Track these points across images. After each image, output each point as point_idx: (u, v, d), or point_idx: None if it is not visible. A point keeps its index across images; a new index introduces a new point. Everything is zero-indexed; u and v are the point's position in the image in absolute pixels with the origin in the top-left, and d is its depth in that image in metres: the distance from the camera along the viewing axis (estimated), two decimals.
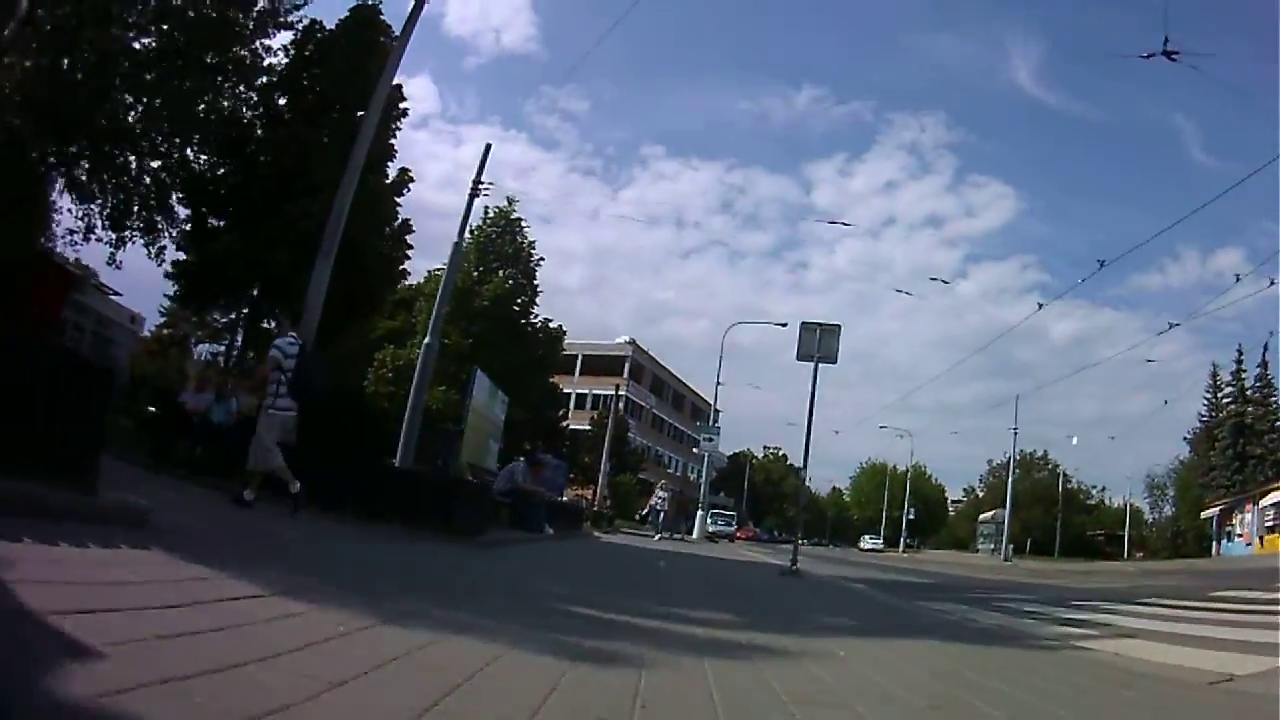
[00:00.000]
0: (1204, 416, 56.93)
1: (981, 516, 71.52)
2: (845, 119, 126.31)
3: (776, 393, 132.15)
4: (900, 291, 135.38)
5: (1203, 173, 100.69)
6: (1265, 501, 38.91)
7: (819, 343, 9.99)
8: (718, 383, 33.74)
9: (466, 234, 30.80)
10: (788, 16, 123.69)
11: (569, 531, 17.13)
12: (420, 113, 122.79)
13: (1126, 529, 60.74)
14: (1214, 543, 46.42)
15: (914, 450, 79.79)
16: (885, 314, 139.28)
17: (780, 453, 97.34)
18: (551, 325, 32.21)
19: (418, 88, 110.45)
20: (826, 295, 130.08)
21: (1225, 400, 55.20)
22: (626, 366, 73.64)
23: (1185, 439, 60.61)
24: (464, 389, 20.56)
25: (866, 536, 71.21)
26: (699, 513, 32.73)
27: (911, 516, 67.13)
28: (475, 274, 29.72)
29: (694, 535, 31.48)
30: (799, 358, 10.13)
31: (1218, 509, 46.74)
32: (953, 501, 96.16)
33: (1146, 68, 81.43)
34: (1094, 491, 75.61)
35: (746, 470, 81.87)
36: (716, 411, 33.90)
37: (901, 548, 62.21)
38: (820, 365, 10.10)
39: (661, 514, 26.13)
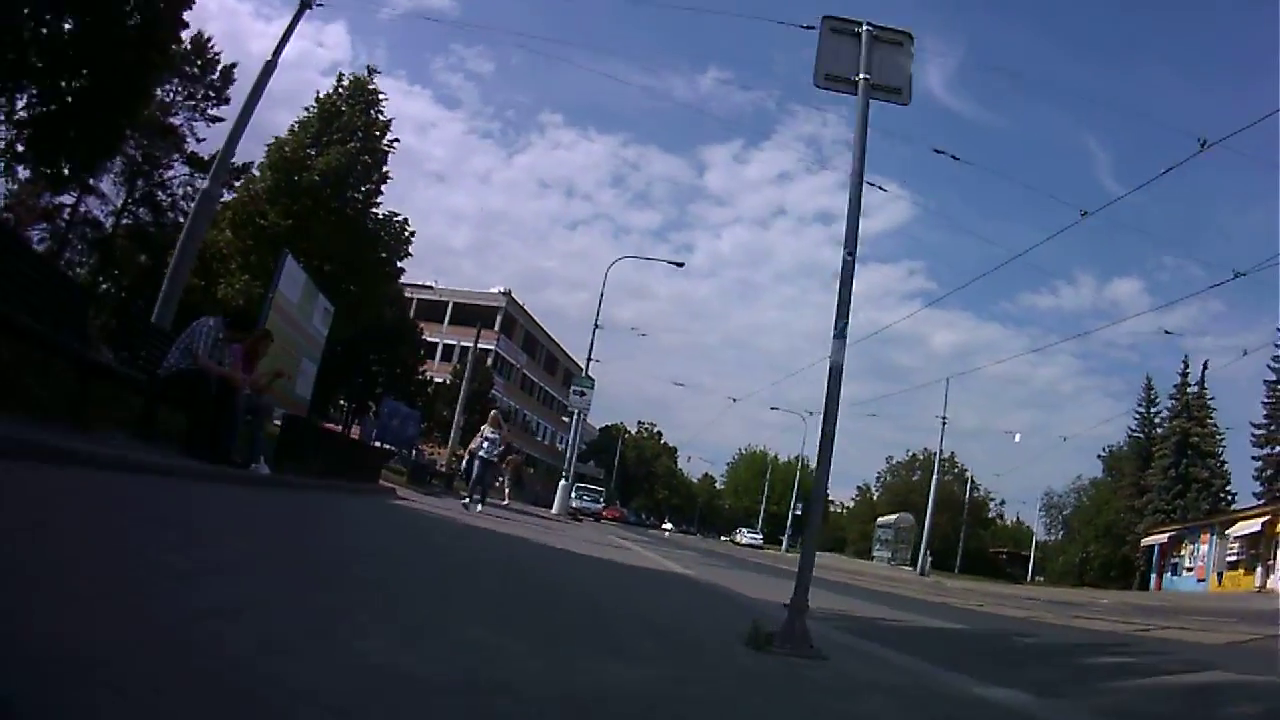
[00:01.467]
0: (1134, 431, 52.69)
1: (881, 519, 66.28)
2: (747, 105, 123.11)
3: (649, 370, 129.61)
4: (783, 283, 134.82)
5: (1109, 199, 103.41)
6: (1234, 532, 34.10)
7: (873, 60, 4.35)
8: (596, 325, 27.82)
9: (311, 102, 24.25)
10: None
11: (350, 484, 10.97)
12: (331, 60, 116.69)
13: (1033, 549, 57.16)
14: (1154, 575, 42.30)
15: (805, 440, 74.64)
16: (767, 303, 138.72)
17: (655, 429, 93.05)
18: (396, 218, 25.08)
19: (331, 36, 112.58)
20: (708, 280, 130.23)
21: (1158, 416, 51.26)
22: (499, 319, 66.66)
23: (1100, 457, 56.98)
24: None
25: (744, 530, 65.79)
26: (562, 483, 26.88)
27: (798, 512, 61.02)
28: (309, 148, 22.48)
29: (554, 510, 25.72)
30: (817, 83, 4.41)
31: (1164, 536, 41.69)
32: (835, 501, 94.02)
33: (1064, 87, 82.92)
34: (993, 504, 72.27)
35: (619, 445, 76.42)
36: (591, 361, 27.86)
37: (785, 546, 56.70)
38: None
39: (481, 465, 15.74)
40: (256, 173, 22.66)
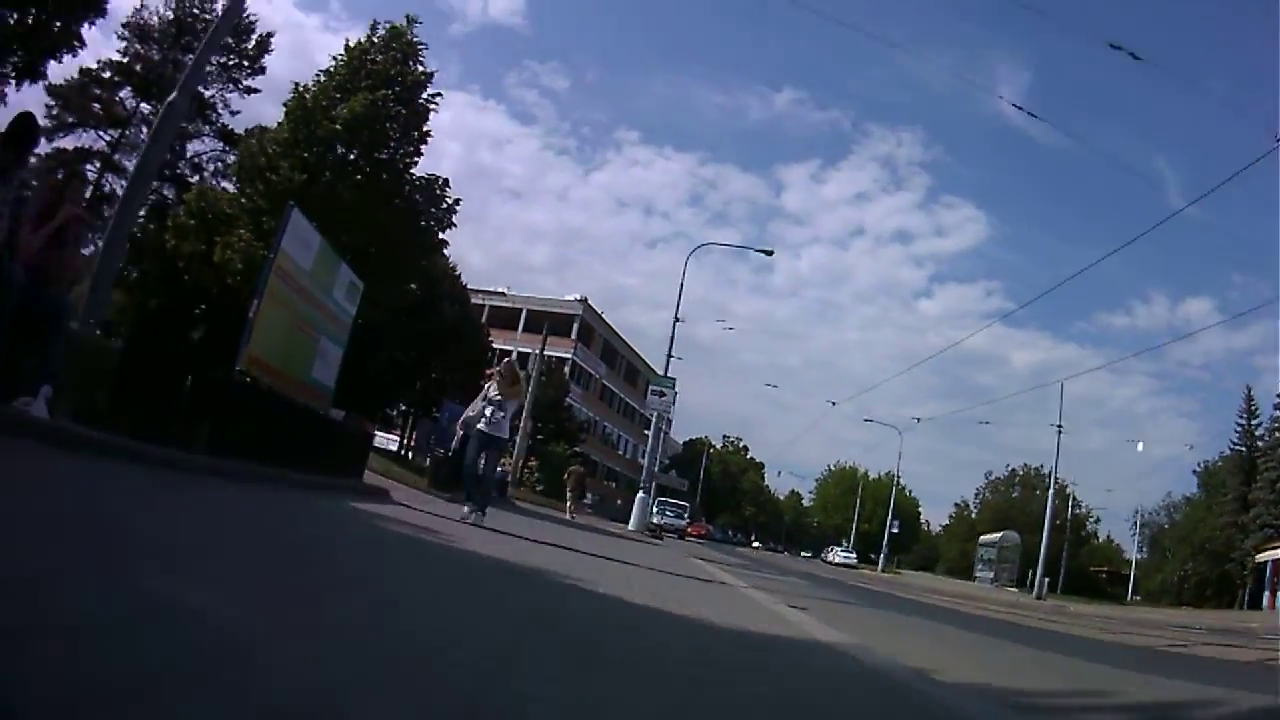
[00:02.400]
0: (1235, 444, 48.64)
1: (984, 538, 61.43)
2: (823, 125, 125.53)
3: (731, 388, 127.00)
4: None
5: (1180, 219, 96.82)
6: None
7: None
8: (676, 318, 23.69)
9: (340, 52, 21.05)
10: (779, 17, 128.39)
11: (303, 477, 7.29)
12: None
13: (1133, 569, 52.47)
14: (1267, 593, 37.15)
15: (901, 454, 69.25)
16: (848, 324, 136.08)
17: (741, 444, 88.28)
18: (437, 180, 20.80)
19: None
20: (788, 300, 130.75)
21: (1260, 430, 47.24)
22: (576, 326, 63.21)
23: (1195, 472, 53.57)
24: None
25: (835, 548, 61.01)
26: (640, 494, 22.89)
27: (895, 530, 56.44)
28: (335, 94, 19.08)
29: (631, 525, 21.81)
30: None
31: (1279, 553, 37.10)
32: (930, 520, 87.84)
33: (1133, 108, 79.89)
34: (1090, 521, 67.02)
35: (704, 459, 71.90)
36: (671, 358, 23.76)
37: (881, 566, 52.38)
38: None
39: (480, 444, 9.02)
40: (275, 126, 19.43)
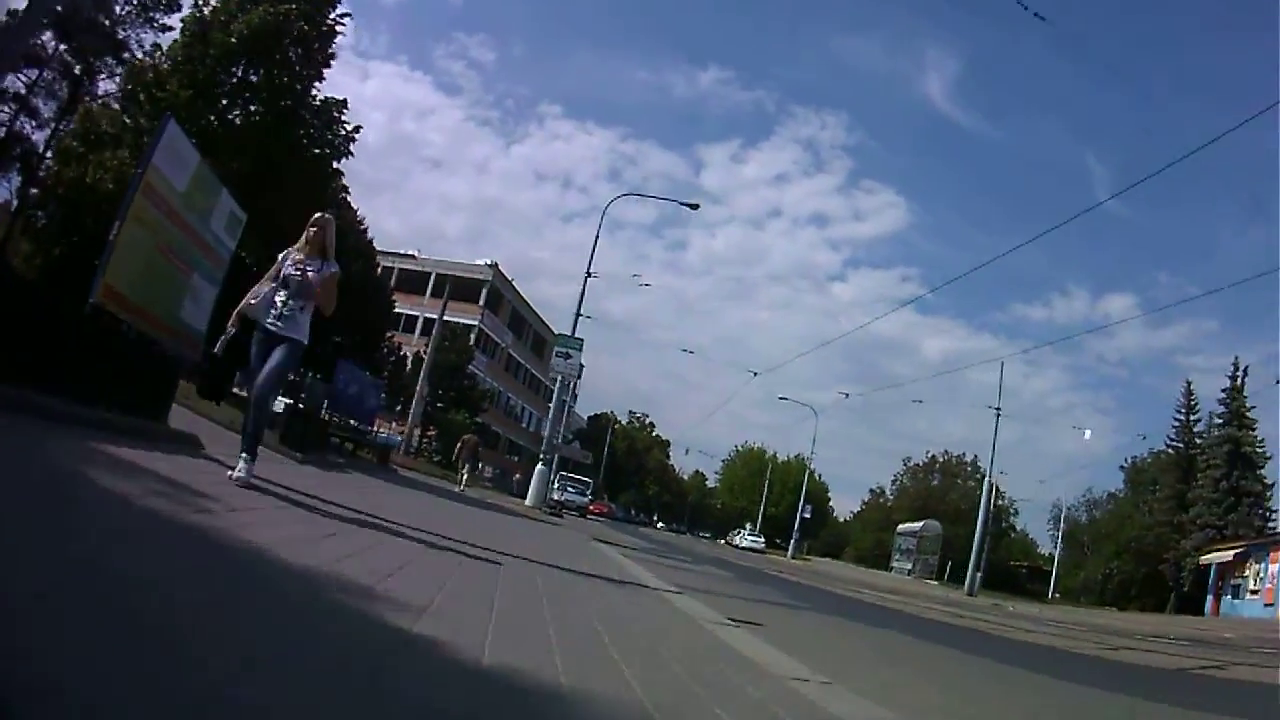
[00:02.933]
0: (1172, 441, 47.81)
1: (903, 527, 60.23)
2: (747, 105, 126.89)
3: (639, 365, 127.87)
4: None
5: (1104, 215, 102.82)
6: None
7: None
8: (588, 274, 22.62)
9: None
10: None
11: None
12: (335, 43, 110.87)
13: (1055, 565, 51.18)
14: (1210, 597, 36.81)
15: (815, 437, 69.54)
16: (759, 303, 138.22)
17: (647, 420, 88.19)
18: (334, 102, 19.20)
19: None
20: (701, 278, 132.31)
21: (1197, 425, 46.82)
22: (484, 293, 61.61)
23: (1121, 468, 53.35)
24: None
25: (743, 531, 60.10)
26: (539, 467, 21.80)
27: (808, 515, 54.89)
28: (235, 8, 17.20)
29: (528, 500, 20.86)
30: None
31: (1228, 554, 35.55)
32: (836, 506, 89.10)
33: (1063, 101, 79.55)
34: (1010, 514, 66.52)
35: (609, 434, 71.45)
36: (581, 318, 22.59)
37: (790, 551, 51.52)
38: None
39: (263, 344, 5.73)
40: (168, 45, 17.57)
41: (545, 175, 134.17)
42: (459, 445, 24.19)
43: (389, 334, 37.88)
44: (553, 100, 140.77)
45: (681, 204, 31.40)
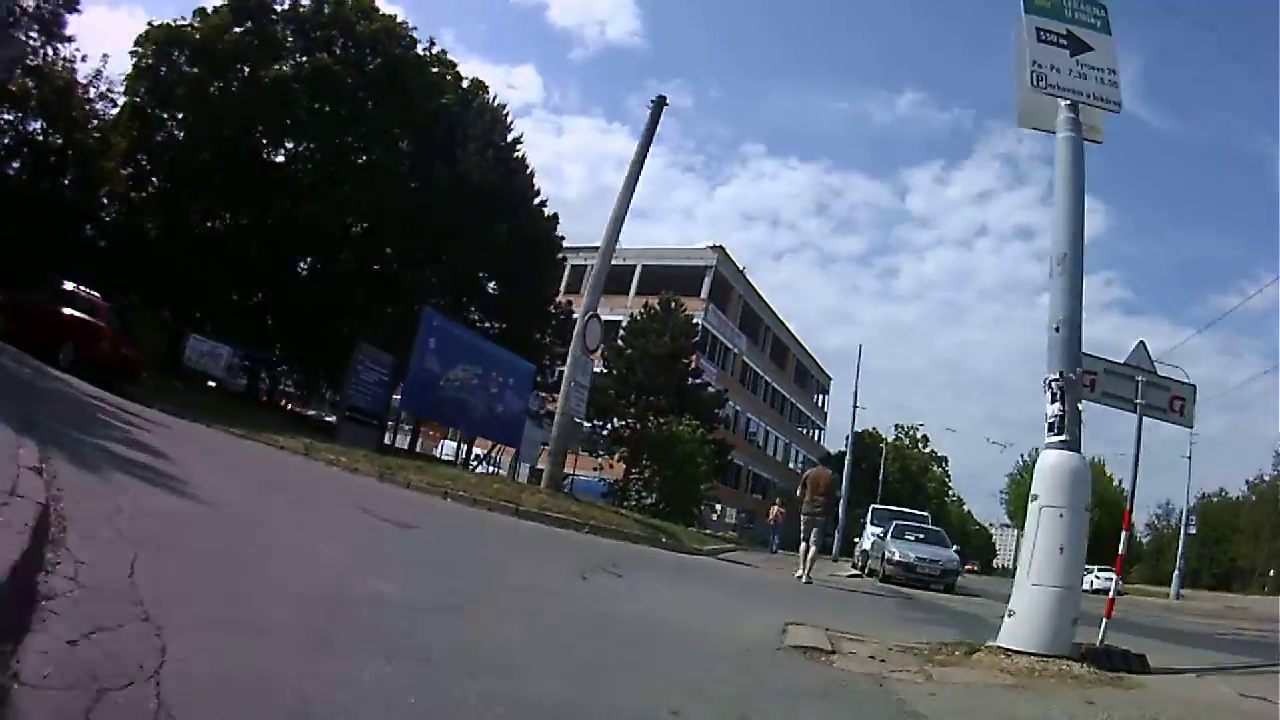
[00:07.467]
0: None
1: None
2: (945, 126, 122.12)
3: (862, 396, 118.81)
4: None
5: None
6: None
7: None
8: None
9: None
10: (895, 19, 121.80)
11: None
12: (523, 101, 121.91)
13: None
14: None
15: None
16: (973, 323, 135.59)
17: (919, 433, 70.37)
18: None
19: (522, 77, 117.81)
20: (913, 303, 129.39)
21: None
22: (707, 282, 48.56)
23: None
24: None
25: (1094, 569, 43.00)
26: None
27: (1192, 530, 41.18)
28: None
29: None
30: None
31: None
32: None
33: (1249, 91, 74.93)
34: None
35: (882, 456, 55.00)
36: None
37: (1174, 590, 35.47)
38: None
39: None
40: None
41: (753, 215, 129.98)
42: (800, 485, 11.80)
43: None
44: (755, 139, 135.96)
45: None
